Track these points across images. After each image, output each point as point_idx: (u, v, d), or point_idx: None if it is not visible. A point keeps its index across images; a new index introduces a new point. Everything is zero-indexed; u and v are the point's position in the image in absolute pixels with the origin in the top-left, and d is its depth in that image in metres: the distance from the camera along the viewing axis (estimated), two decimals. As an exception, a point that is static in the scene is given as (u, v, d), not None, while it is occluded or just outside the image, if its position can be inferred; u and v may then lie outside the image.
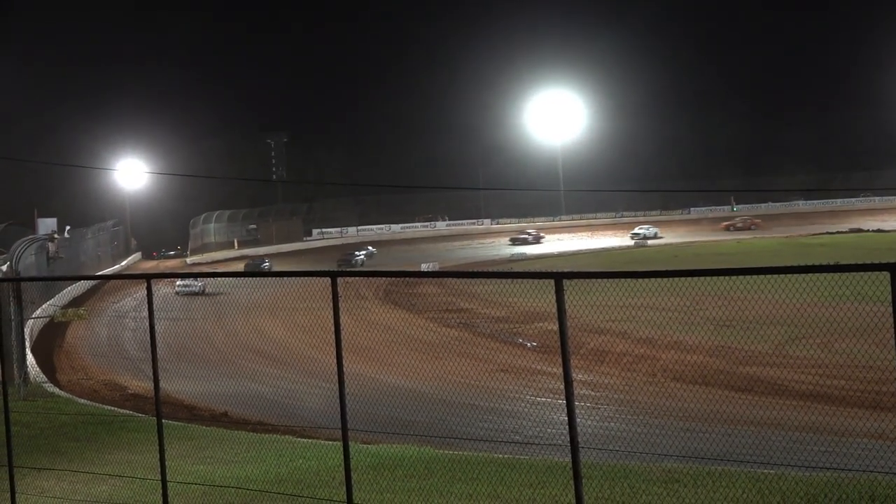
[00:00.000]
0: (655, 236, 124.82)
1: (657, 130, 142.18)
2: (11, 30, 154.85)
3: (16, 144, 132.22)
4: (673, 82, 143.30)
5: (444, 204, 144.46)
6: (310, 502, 22.48)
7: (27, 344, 54.36)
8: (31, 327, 58.94)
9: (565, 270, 14.20)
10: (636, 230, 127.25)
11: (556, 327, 13.87)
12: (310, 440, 34.21)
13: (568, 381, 13.85)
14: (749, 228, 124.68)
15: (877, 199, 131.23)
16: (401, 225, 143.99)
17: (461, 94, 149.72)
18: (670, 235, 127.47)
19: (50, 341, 63.75)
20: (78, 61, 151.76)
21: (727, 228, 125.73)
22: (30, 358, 52.97)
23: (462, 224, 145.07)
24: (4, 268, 63.34)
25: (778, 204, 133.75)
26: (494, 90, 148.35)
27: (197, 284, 76.16)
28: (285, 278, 29.08)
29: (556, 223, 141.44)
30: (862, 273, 12.23)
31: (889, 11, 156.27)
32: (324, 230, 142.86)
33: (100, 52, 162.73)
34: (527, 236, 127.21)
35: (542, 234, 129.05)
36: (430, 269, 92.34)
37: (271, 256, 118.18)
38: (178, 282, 75.59)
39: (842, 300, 38.49)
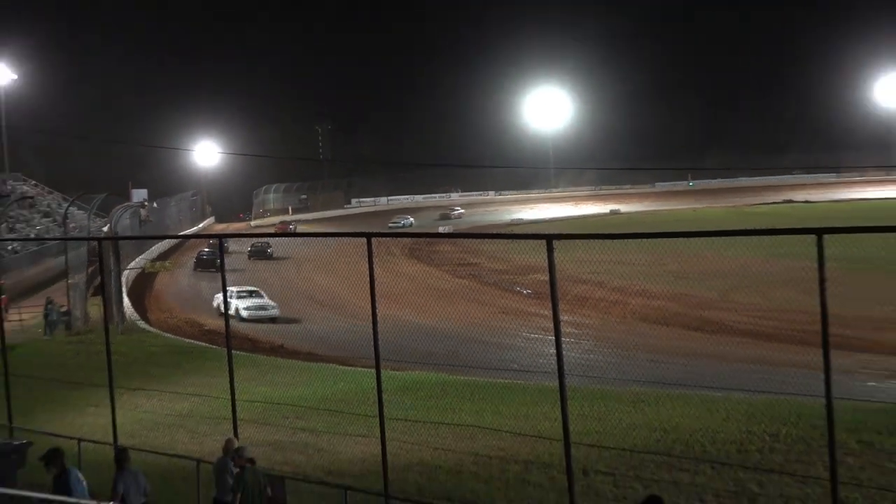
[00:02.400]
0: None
1: (629, 119, 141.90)
2: (103, 34, 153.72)
3: (115, 126, 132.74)
4: (641, 80, 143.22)
5: (458, 178, 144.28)
6: (349, 417, 22.61)
7: (124, 290, 54.50)
8: (126, 277, 59.05)
9: (555, 233, 14.18)
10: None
11: (546, 278, 13.92)
12: (349, 368, 34.33)
13: (556, 322, 13.89)
14: None
15: (806, 176, 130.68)
16: (423, 196, 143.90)
17: (473, 92, 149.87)
18: (639, 205, 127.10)
19: (142, 288, 63.94)
20: (166, 59, 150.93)
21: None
22: (126, 301, 53.13)
23: (471, 195, 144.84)
24: (105, 229, 63.57)
25: (725, 179, 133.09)
26: (500, 88, 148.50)
27: (268, 249, 76.11)
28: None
29: (547, 195, 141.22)
30: (793, 235, 12.20)
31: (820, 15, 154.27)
32: (361, 200, 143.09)
33: (184, 52, 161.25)
34: (449, 212, 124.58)
35: (462, 210, 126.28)
36: (445, 231, 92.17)
37: (318, 221, 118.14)
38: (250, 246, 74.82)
39: (776, 257, 38.42)
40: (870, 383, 30.00)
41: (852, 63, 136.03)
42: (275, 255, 75.96)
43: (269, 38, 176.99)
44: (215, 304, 51.72)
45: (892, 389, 30.82)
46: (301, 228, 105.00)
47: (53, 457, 15.18)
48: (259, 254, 75.43)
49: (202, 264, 70.57)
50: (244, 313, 49.16)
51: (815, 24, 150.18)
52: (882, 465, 20.04)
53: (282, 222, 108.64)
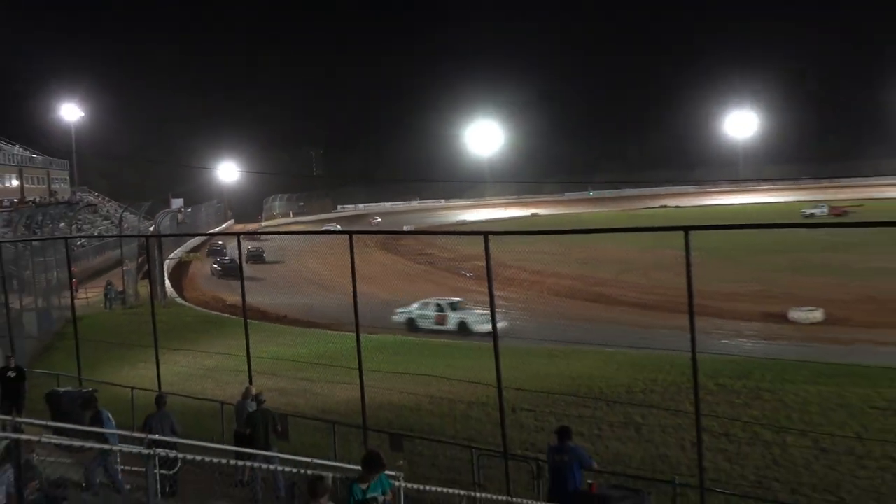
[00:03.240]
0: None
1: (545, 143, 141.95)
2: (148, 77, 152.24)
3: (159, 149, 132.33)
4: (554, 113, 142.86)
5: (419, 189, 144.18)
6: (337, 370, 22.53)
7: (165, 275, 54.17)
8: (167, 265, 58.57)
9: (489, 230, 14.14)
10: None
11: (483, 264, 13.90)
12: (336, 332, 34.22)
13: (491, 297, 13.87)
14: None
15: (675, 187, 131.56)
16: (391, 202, 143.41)
17: (431, 124, 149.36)
18: (552, 209, 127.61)
19: (179, 273, 63.35)
20: (199, 95, 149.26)
21: None
22: (167, 283, 52.75)
23: (428, 202, 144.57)
24: (151, 228, 63.21)
25: (616, 190, 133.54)
26: (450, 121, 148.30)
27: (263, 254, 68.96)
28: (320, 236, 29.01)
29: (484, 202, 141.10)
30: (667, 232, 12.21)
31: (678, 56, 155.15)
32: (345, 205, 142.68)
33: (210, 90, 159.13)
34: (371, 220, 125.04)
35: (379, 219, 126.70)
36: (409, 229, 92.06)
37: (313, 221, 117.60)
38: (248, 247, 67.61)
39: (655, 248, 38.48)
40: (723, 341, 30.30)
41: (709, 101, 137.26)
42: (268, 259, 69.56)
43: (280, 78, 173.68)
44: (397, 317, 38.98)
45: (738, 346, 31.16)
46: (300, 227, 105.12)
47: (88, 401, 15.33)
48: (255, 258, 67.39)
49: (225, 272, 60.30)
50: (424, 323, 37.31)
51: (683, 73, 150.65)
52: (732, 401, 20.29)
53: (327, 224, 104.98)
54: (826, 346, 29.48)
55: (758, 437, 17.46)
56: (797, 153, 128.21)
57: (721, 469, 14.98)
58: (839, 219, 76.62)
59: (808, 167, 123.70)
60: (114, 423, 14.68)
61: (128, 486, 14.12)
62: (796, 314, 36.19)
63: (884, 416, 18.88)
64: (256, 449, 14.37)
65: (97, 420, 14.39)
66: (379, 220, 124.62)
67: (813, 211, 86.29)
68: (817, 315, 35.96)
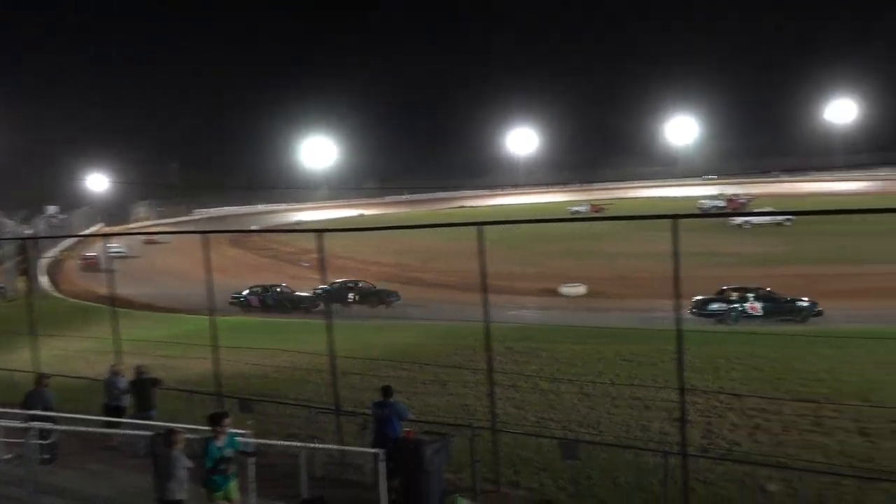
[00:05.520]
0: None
1: (368, 155, 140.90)
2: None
3: (40, 161, 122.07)
4: (372, 129, 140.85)
5: (262, 195, 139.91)
6: (195, 347, 21.66)
7: (42, 271, 50.83)
8: (44, 263, 54.80)
9: (323, 228, 13.92)
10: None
11: (318, 256, 13.65)
12: (190, 315, 33.05)
13: (325, 281, 13.67)
14: None
15: (470, 191, 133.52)
16: (239, 207, 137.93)
17: (272, 136, 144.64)
18: (375, 210, 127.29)
19: (56, 269, 59.34)
20: (90, 99, 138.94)
21: None
22: (45, 278, 49.47)
23: (271, 205, 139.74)
24: (28, 231, 59.19)
25: (426, 194, 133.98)
26: (288, 136, 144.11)
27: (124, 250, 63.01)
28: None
29: (318, 205, 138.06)
30: (465, 227, 12.32)
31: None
32: (199, 210, 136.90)
33: (80, 100, 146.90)
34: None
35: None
36: (255, 228, 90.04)
37: (171, 224, 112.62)
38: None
39: (456, 240, 38.70)
40: (509, 312, 31.03)
41: (496, 118, 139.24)
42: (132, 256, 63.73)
43: (146, 95, 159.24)
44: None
45: (521, 315, 32.01)
46: (161, 228, 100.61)
47: None
48: (120, 255, 59.15)
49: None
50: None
51: (476, 95, 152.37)
52: (517, 360, 20.83)
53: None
54: (589, 314, 30.70)
55: (537, 386, 17.99)
56: (565, 161, 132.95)
57: (509, 414, 15.33)
58: (598, 214, 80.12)
59: (575, 174, 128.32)
60: None
61: (8, 456, 13.24)
62: (565, 289, 37.58)
63: (630, 366, 19.89)
64: (144, 407, 14.22)
65: None
66: (308, 264, 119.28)
67: (578, 208, 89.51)
68: (581, 290, 37.46)
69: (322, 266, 13.53)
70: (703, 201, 78.15)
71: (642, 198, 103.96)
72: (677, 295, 9.62)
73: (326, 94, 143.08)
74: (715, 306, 29.12)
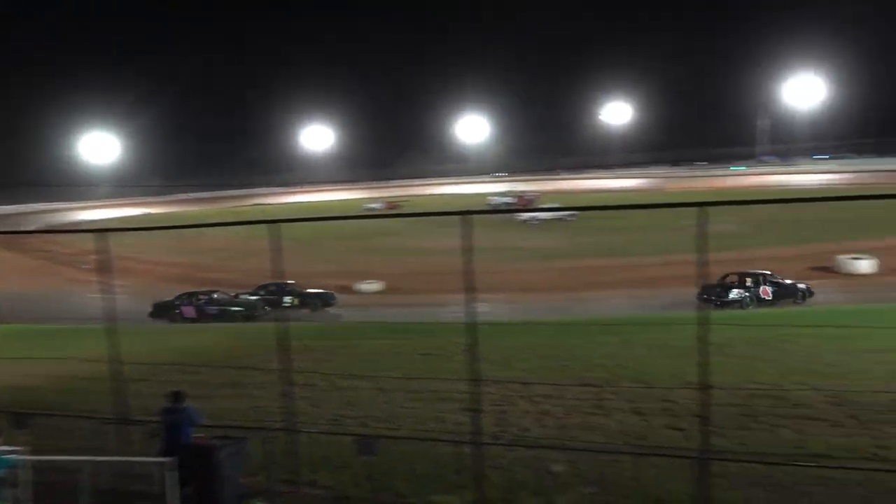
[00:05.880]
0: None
1: (157, 156, 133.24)
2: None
3: None
4: (163, 126, 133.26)
5: (45, 193, 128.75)
6: None
7: None
8: None
9: (104, 228, 13.16)
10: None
11: (98, 258, 12.90)
12: None
13: (109, 287, 12.93)
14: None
15: (266, 188, 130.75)
16: (12, 206, 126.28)
17: (46, 131, 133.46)
18: (161, 209, 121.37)
19: None
20: None
21: None
22: None
23: (52, 204, 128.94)
24: None
25: (216, 192, 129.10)
26: (63, 134, 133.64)
27: None
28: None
29: (103, 203, 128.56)
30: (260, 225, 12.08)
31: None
32: None
33: None
34: None
35: None
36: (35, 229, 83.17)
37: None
38: None
39: (249, 238, 37.91)
40: (305, 311, 30.70)
41: (291, 117, 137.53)
42: None
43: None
44: None
45: (320, 314, 31.79)
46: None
47: None
48: None
49: None
50: None
51: (271, 93, 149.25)
52: (315, 358, 20.67)
53: None
54: (387, 310, 31.05)
55: (334, 384, 17.97)
56: (360, 159, 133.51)
57: (305, 413, 15.19)
58: (393, 211, 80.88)
59: (370, 172, 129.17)
60: None
61: None
62: (361, 286, 37.77)
63: (426, 360, 20.36)
64: None
65: None
66: (88, 266, 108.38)
67: (373, 206, 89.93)
68: (377, 286, 37.81)
69: (106, 268, 12.76)
70: (493, 198, 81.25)
71: (436, 195, 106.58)
72: (470, 289, 9.95)
73: (110, 88, 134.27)
74: (735, 293, 29.78)
